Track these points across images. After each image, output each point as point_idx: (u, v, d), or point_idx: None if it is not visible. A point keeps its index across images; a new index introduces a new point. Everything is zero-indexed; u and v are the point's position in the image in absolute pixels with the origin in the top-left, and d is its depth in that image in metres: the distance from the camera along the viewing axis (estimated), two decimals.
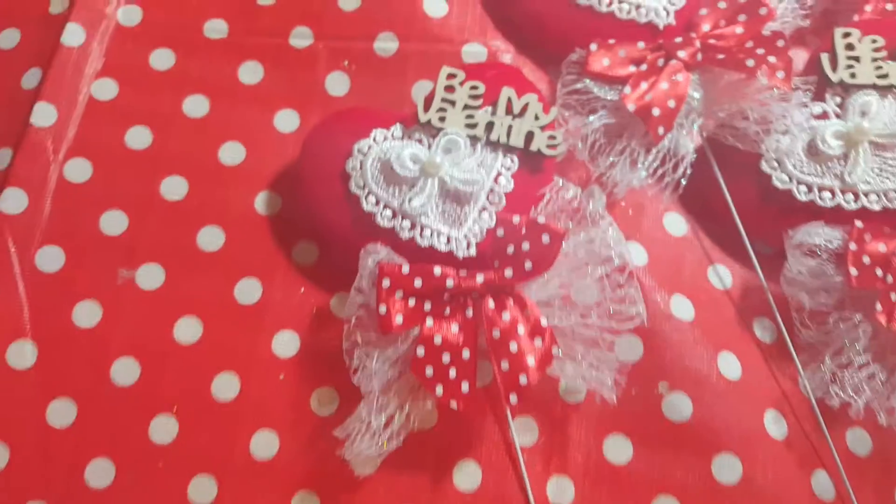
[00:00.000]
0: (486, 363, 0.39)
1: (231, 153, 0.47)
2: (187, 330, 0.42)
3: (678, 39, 0.44)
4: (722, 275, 0.45)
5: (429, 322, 0.38)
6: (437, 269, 0.39)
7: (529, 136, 0.42)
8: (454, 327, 0.38)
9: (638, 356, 0.42)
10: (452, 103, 0.43)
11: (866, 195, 0.42)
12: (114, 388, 0.41)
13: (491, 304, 0.39)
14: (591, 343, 0.39)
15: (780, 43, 0.42)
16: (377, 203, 0.42)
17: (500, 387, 0.37)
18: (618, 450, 0.41)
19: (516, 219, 0.39)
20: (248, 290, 0.44)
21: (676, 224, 0.46)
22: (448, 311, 0.39)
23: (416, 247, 0.41)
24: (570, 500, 0.40)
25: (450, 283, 0.39)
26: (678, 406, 0.41)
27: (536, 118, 0.42)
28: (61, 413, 0.40)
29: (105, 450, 0.40)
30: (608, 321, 0.39)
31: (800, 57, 0.47)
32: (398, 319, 0.38)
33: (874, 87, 0.44)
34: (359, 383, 0.38)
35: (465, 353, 0.38)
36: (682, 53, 0.44)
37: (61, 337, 0.42)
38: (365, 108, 0.46)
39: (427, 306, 0.39)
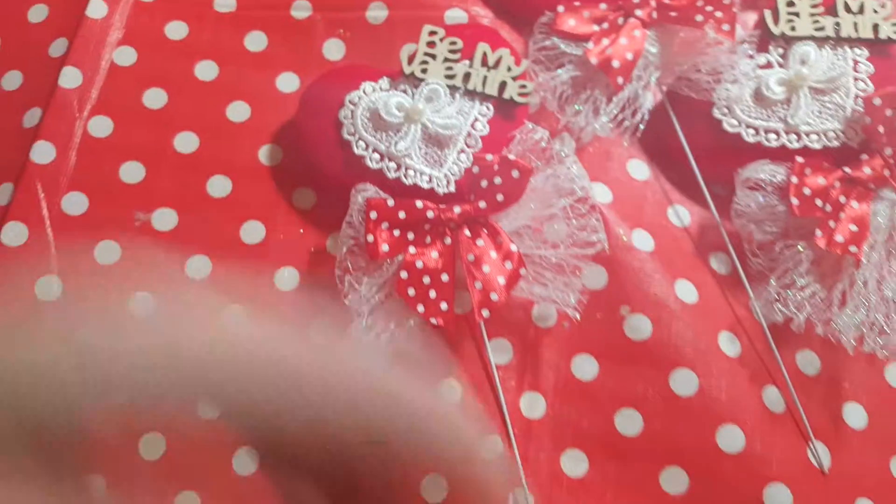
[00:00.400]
0: (463, 293, 0.42)
1: (238, 111, 0.49)
2: (198, 267, 0.45)
3: (636, 0, 0.47)
4: (681, 214, 0.48)
5: (411, 249, 0.42)
6: (419, 203, 0.42)
7: (503, 86, 0.45)
8: (434, 254, 0.42)
9: (602, 284, 0.45)
10: (433, 57, 0.46)
11: (807, 135, 0.45)
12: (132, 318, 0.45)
13: (467, 232, 0.42)
14: (557, 269, 0.42)
15: (727, 0, 0.46)
16: (366, 147, 0.44)
17: (473, 303, 0.41)
18: (585, 367, 0.43)
19: (489, 156, 0.43)
20: (252, 232, 0.46)
21: (639, 169, 0.49)
22: (429, 239, 0.42)
23: (402, 185, 0.44)
24: (541, 414, 0.43)
25: (430, 214, 0.42)
26: (639, 326, 0.44)
27: (509, 69, 0.45)
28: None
29: None
30: (573, 248, 0.42)
31: (752, 18, 0.50)
32: (384, 248, 0.41)
33: (812, 38, 0.46)
34: (350, 305, 0.41)
35: (444, 277, 0.42)
36: (639, 12, 0.47)
37: (84, 273, 0.45)
38: (356, 66, 0.49)
39: (410, 235, 0.42)
